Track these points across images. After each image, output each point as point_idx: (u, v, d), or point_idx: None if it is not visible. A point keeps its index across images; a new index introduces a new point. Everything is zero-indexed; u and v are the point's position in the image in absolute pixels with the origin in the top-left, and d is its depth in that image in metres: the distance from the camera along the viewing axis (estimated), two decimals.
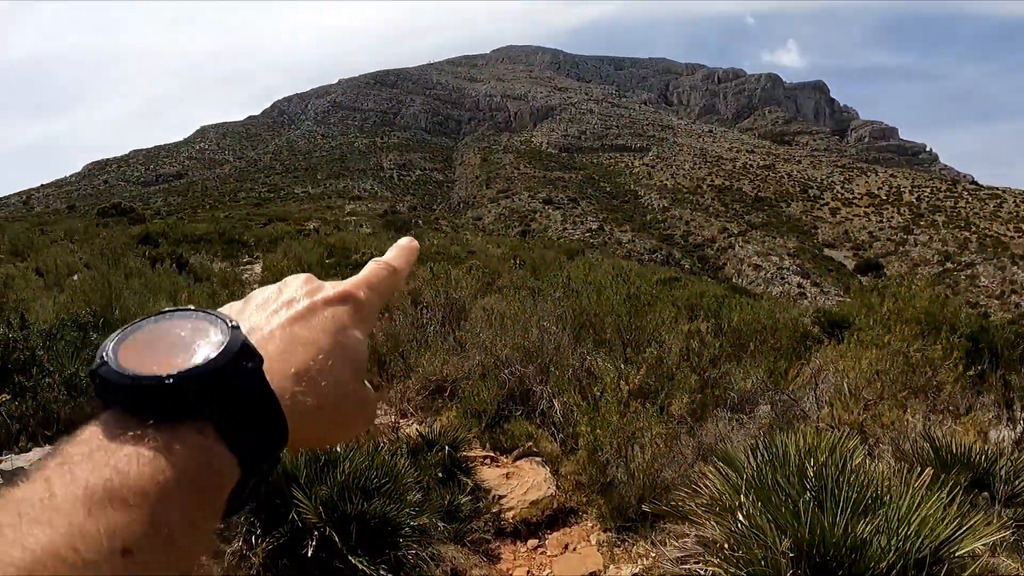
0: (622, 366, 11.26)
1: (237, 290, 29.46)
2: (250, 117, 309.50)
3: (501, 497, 9.81)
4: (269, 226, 73.32)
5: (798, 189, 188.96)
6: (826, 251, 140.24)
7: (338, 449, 7.57)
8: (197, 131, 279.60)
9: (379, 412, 14.68)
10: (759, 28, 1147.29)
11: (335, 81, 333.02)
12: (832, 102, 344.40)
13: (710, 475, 6.95)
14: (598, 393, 10.43)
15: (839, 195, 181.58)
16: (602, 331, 14.82)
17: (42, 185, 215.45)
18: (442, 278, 18.01)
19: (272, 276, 33.42)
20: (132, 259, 34.17)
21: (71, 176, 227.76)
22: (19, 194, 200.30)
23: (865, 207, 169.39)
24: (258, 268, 41.19)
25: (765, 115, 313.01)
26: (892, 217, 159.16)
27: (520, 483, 10.21)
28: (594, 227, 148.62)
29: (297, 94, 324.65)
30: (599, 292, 15.28)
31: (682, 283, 39.54)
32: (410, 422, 13.14)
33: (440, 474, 9.44)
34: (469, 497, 9.29)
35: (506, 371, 13.32)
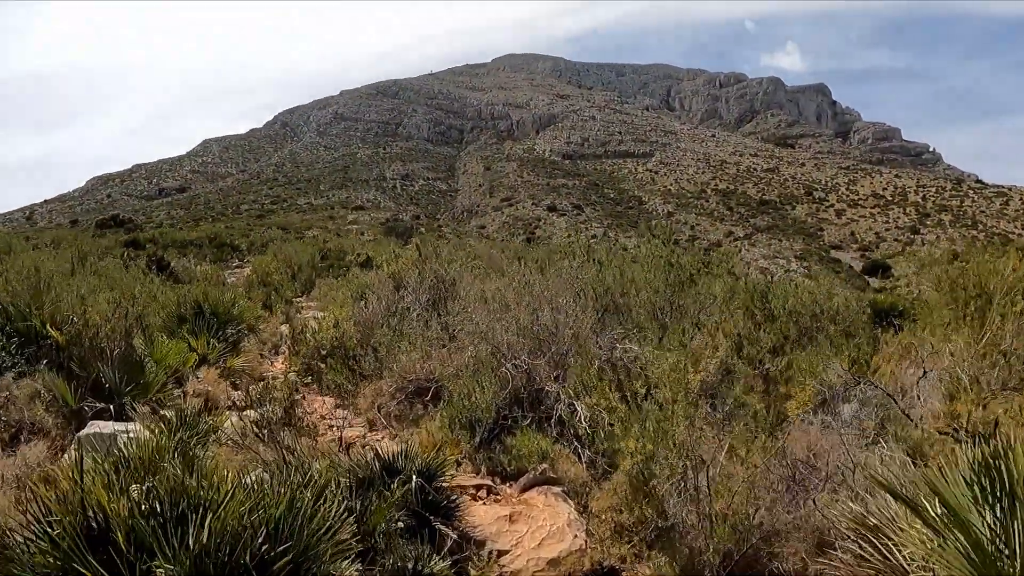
0: (679, 356, 7.83)
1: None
2: (252, 130, 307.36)
3: (501, 553, 6.16)
4: (262, 232, 72.08)
5: (803, 191, 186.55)
6: (833, 253, 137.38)
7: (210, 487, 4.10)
8: (200, 144, 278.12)
9: (342, 424, 11.99)
10: (758, 31, 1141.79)
11: (337, 92, 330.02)
12: (834, 104, 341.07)
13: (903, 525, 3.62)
14: (642, 391, 6.94)
15: (844, 197, 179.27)
16: (629, 313, 11.45)
17: (45, 200, 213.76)
18: (430, 257, 14.79)
19: (259, 277, 31.04)
20: (109, 261, 34.13)
21: (74, 191, 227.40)
22: (22, 209, 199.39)
23: (871, 208, 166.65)
24: (248, 271, 40.68)
25: (768, 118, 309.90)
26: (898, 217, 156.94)
27: (531, 528, 6.54)
28: (599, 233, 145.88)
29: (299, 106, 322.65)
30: (625, 266, 11.93)
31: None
32: (379, 435, 9.94)
33: (403, 521, 5.81)
34: (449, 563, 5.59)
35: (509, 365, 9.88)
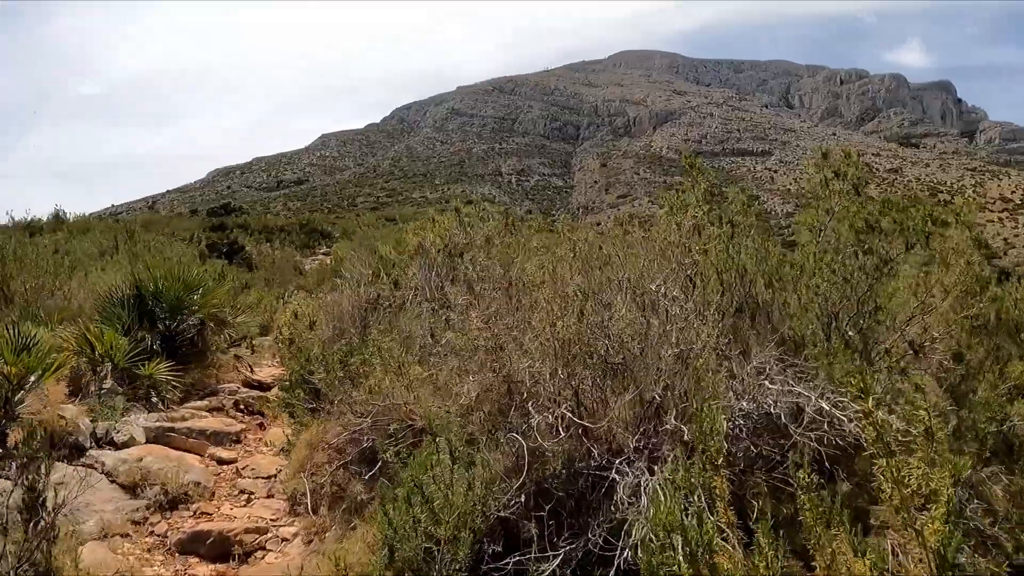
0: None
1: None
2: (370, 125, 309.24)
3: None
4: (355, 218, 71.35)
5: (927, 194, 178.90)
6: None
7: None
8: (318, 139, 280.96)
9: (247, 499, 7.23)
10: (880, 26, 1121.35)
11: (453, 89, 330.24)
12: (959, 102, 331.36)
13: None
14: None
15: (971, 200, 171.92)
16: (783, 319, 6.24)
17: (167, 191, 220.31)
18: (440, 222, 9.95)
19: (335, 262, 27.90)
20: (175, 243, 33.67)
21: (195, 182, 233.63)
22: (145, 199, 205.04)
23: (999, 212, 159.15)
24: (328, 260, 37.93)
25: (890, 117, 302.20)
26: None
27: None
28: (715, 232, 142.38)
29: (415, 102, 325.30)
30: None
31: None
32: (292, 529, 5.47)
33: None
34: None
35: (537, 417, 4.72)
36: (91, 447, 9.05)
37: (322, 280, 27.42)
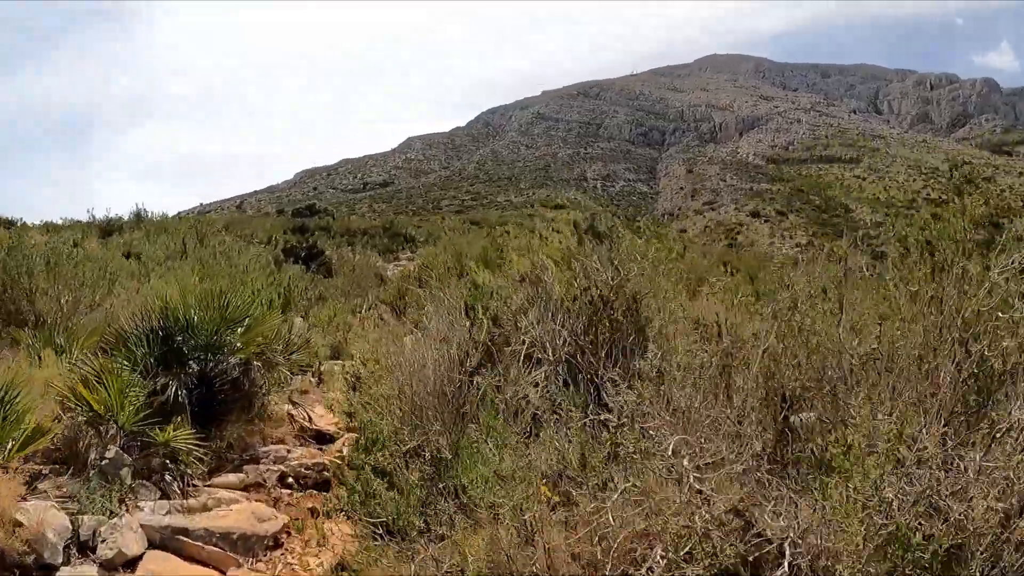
0: None
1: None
2: (455, 128, 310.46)
3: None
4: (441, 222, 70.76)
5: (1021, 204, 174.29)
6: None
7: None
8: (404, 142, 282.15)
9: None
10: (969, 29, 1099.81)
11: (538, 93, 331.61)
12: None
13: None
14: None
15: None
16: None
17: (255, 191, 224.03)
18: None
19: (420, 269, 25.51)
20: (250, 246, 33.01)
21: (282, 183, 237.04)
22: (234, 198, 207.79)
23: None
24: (412, 266, 35.49)
25: (982, 123, 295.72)
26: None
27: None
28: (803, 242, 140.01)
29: (501, 106, 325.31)
30: None
31: None
32: None
33: None
34: None
35: None
36: (66, 562, 6.36)
37: (404, 294, 24.18)
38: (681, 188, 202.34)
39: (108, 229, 30.34)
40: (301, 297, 21.24)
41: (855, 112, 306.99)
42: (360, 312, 21.58)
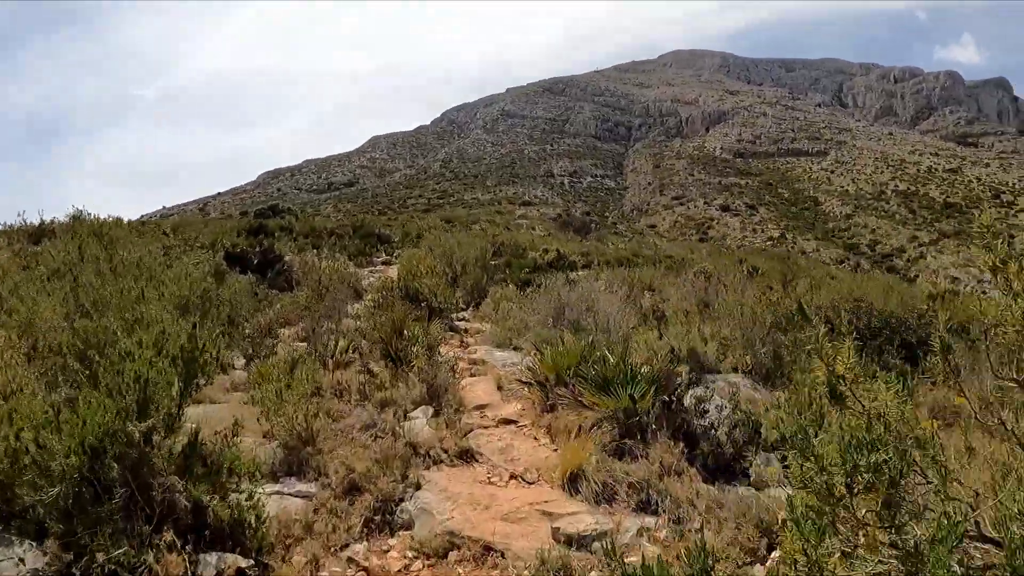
0: None
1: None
2: (420, 127, 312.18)
3: None
4: (419, 221, 68.65)
5: (989, 194, 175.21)
6: None
7: None
8: (368, 141, 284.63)
9: None
10: (931, 22, 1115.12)
11: (503, 90, 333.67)
12: (1016, 100, 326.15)
13: None
14: None
15: None
16: None
17: (218, 193, 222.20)
18: None
19: (404, 280, 21.16)
20: (189, 253, 25.79)
21: (246, 184, 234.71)
22: (196, 201, 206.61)
23: None
24: (392, 272, 28.39)
25: (946, 115, 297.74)
26: None
27: None
28: (775, 235, 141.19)
29: (466, 104, 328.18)
30: None
31: None
32: None
33: None
34: None
35: None
36: None
37: (400, 328, 14.37)
38: (648, 183, 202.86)
39: (38, 235, 27.82)
40: (238, 333, 14.56)
41: (820, 105, 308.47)
42: (333, 354, 13.74)
